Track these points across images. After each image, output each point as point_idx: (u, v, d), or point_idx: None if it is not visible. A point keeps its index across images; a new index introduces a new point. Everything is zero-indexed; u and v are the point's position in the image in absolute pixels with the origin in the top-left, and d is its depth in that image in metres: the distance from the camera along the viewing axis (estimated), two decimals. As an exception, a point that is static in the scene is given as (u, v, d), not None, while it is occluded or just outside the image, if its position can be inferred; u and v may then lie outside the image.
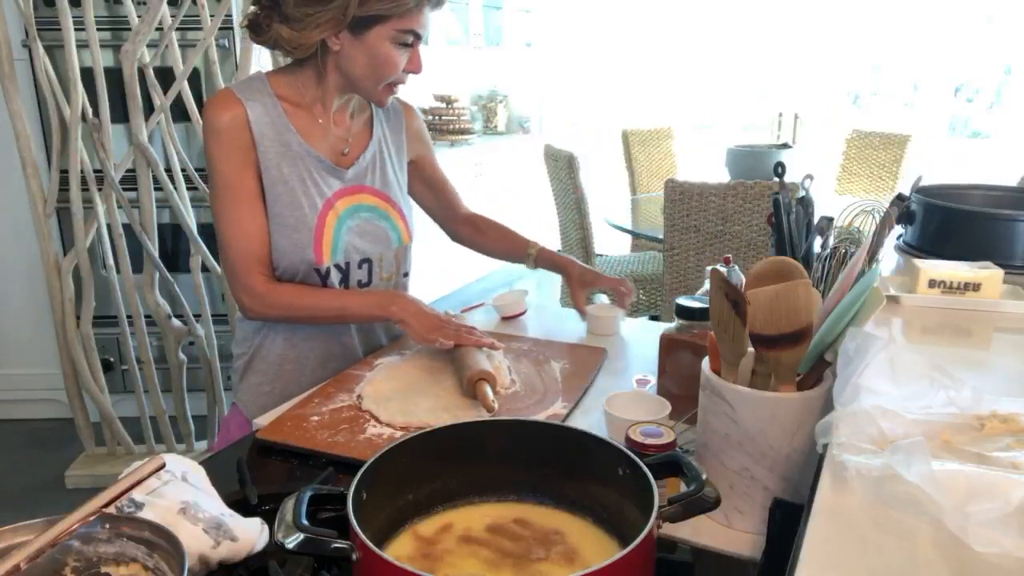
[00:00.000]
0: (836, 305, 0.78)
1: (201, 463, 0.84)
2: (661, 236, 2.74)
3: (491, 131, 5.19)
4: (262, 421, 1.10)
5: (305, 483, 0.70)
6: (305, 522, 0.61)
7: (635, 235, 3.36)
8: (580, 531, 0.73)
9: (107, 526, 0.63)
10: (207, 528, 0.70)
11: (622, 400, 0.98)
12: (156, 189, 2.37)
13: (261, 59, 2.30)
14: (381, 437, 1.01)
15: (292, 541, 0.59)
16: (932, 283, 1.14)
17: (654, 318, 3.03)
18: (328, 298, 1.25)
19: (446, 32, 4.57)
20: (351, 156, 1.30)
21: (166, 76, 2.32)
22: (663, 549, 0.76)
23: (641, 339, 1.40)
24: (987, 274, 1.12)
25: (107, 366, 2.64)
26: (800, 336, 0.74)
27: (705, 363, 0.82)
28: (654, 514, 0.61)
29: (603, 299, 1.46)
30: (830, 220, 1.21)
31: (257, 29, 1.18)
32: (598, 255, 3.28)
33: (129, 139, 2.30)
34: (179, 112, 2.39)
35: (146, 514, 0.67)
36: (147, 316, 2.46)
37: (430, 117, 4.43)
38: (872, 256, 0.94)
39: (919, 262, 1.18)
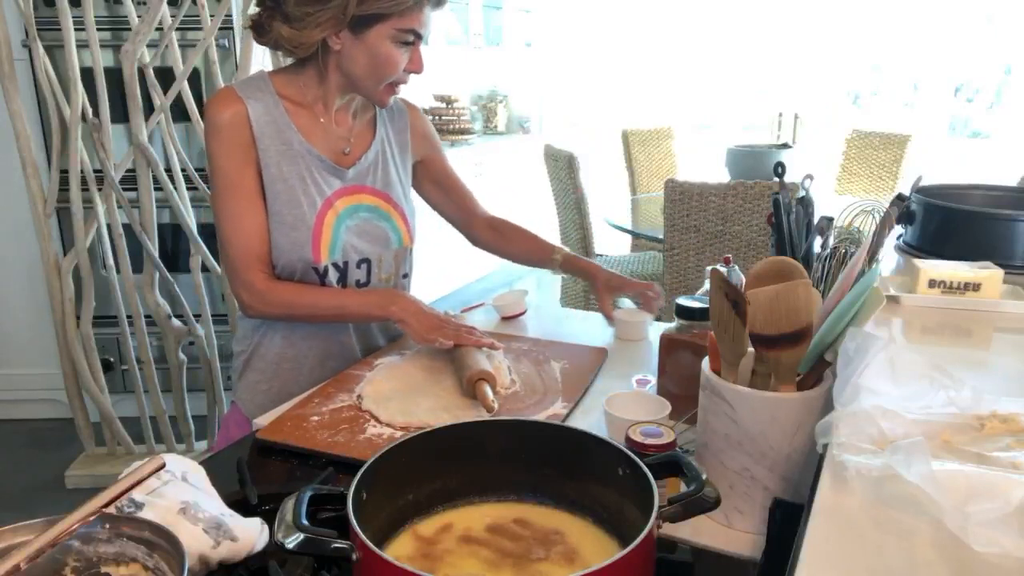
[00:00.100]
0: (836, 305, 0.78)
1: (201, 463, 0.84)
2: (661, 236, 2.74)
3: (491, 131, 5.19)
4: (262, 421, 1.10)
5: (305, 483, 0.70)
6: (305, 522, 0.61)
7: (635, 235, 3.36)
8: (580, 531, 0.73)
9: (107, 526, 0.63)
10: (207, 528, 0.70)
11: (622, 400, 0.98)
12: (156, 189, 2.37)
13: (262, 59, 2.30)
14: (381, 437, 1.01)
15: (292, 541, 0.59)
16: (932, 283, 1.14)
17: (655, 318, 3.02)
18: (328, 297, 1.25)
19: (446, 32, 4.57)
20: (353, 156, 1.30)
21: (166, 76, 2.32)
22: (663, 549, 0.76)
23: (641, 339, 1.40)
24: (987, 274, 1.12)
25: (107, 366, 2.64)
26: (800, 336, 0.74)
27: (705, 363, 0.82)
28: (654, 514, 0.61)
29: (628, 303, 1.46)
30: (830, 220, 1.21)
31: (260, 30, 1.18)
32: (598, 255, 3.28)
33: (129, 139, 2.30)
34: (179, 112, 2.39)
35: (146, 514, 0.67)
36: (147, 316, 2.46)
37: (430, 117, 4.42)
38: (872, 256, 0.94)
39: (919, 262, 1.18)
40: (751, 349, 0.78)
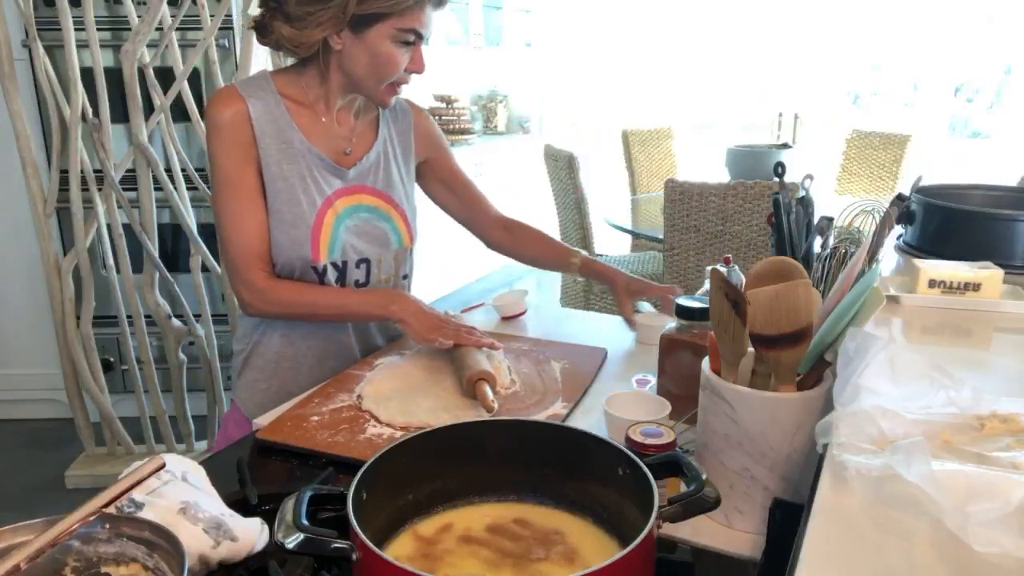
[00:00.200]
0: (836, 305, 0.78)
1: (201, 463, 0.84)
2: (661, 236, 2.74)
3: (491, 131, 5.19)
4: (262, 421, 1.10)
5: (305, 483, 0.70)
6: (305, 522, 0.61)
7: (635, 235, 3.36)
8: (580, 531, 0.73)
9: (107, 526, 0.63)
10: (207, 528, 0.70)
11: (622, 400, 0.98)
12: (156, 189, 2.37)
13: (262, 60, 2.30)
14: (381, 437, 1.01)
15: (292, 541, 0.59)
16: (932, 283, 1.14)
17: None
18: (328, 296, 1.25)
19: (446, 32, 4.57)
20: (354, 156, 1.30)
21: (166, 76, 2.32)
22: (663, 549, 0.76)
23: (641, 339, 1.40)
24: (987, 274, 1.12)
25: (107, 366, 2.64)
26: (800, 336, 0.74)
27: (705, 363, 0.82)
28: (654, 514, 0.61)
29: (647, 307, 1.45)
30: (830, 220, 1.21)
31: (263, 30, 1.18)
32: (598, 255, 3.28)
33: (129, 139, 2.30)
34: (179, 112, 2.39)
35: (146, 514, 0.67)
36: (147, 316, 2.46)
37: (431, 116, 4.43)
38: (872, 256, 0.94)
39: (919, 262, 1.18)
40: (751, 349, 0.78)
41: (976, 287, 1.12)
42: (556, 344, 1.34)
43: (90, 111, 2.29)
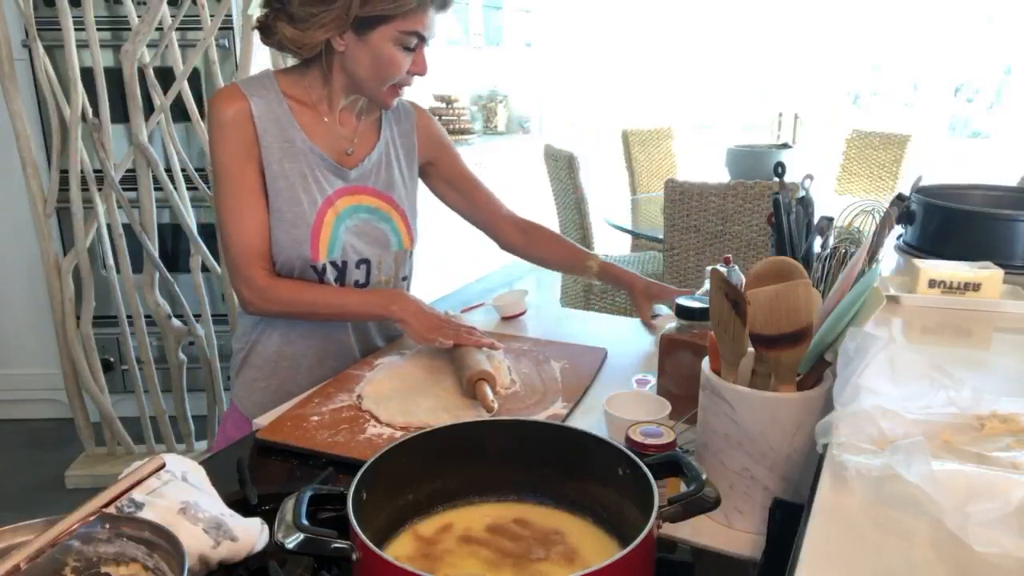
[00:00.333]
0: (836, 305, 0.78)
1: (201, 463, 0.84)
2: (661, 236, 2.74)
3: (491, 131, 5.19)
4: (262, 421, 1.10)
5: (305, 483, 0.70)
6: (305, 522, 0.61)
7: (635, 235, 3.36)
8: (580, 531, 0.73)
9: (107, 526, 0.63)
10: (207, 528, 0.70)
11: (622, 400, 0.98)
12: (156, 189, 2.37)
13: (265, 60, 2.30)
14: (381, 437, 1.01)
15: (292, 541, 0.59)
16: (932, 283, 1.14)
17: (654, 318, 3.03)
18: (328, 295, 1.25)
19: (446, 32, 4.57)
20: (356, 156, 1.30)
21: (166, 76, 2.32)
22: (663, 549, 0.76)
23: (641, 339, 1.40)
24: (987, 274, 1.12)
25: (107, 366, 2.64)
26: (800, 336, 0.74)
27: (705, 363, 0.82)
28: (654, 514, 0.61)
29: (665, 310, 1.45)
30: (830, 220, 1.21)
31: (266, 31, 1.18)
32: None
33: (129, 139, 2.31)
34: (179, 112, 2.39)
35: (146, 514, 0.67)
36: (147, 316, 2.46)
37: (434, 117, 4.43)
38: (872, 256, 0.94)
39: (919, 262, 1.18)
40: (751, 349, 0.78)
41: (976, 287, 1.12)
42: (556, 344, 1.34)
43: (90, 111, 2.29)
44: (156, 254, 2.38)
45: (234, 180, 1.20)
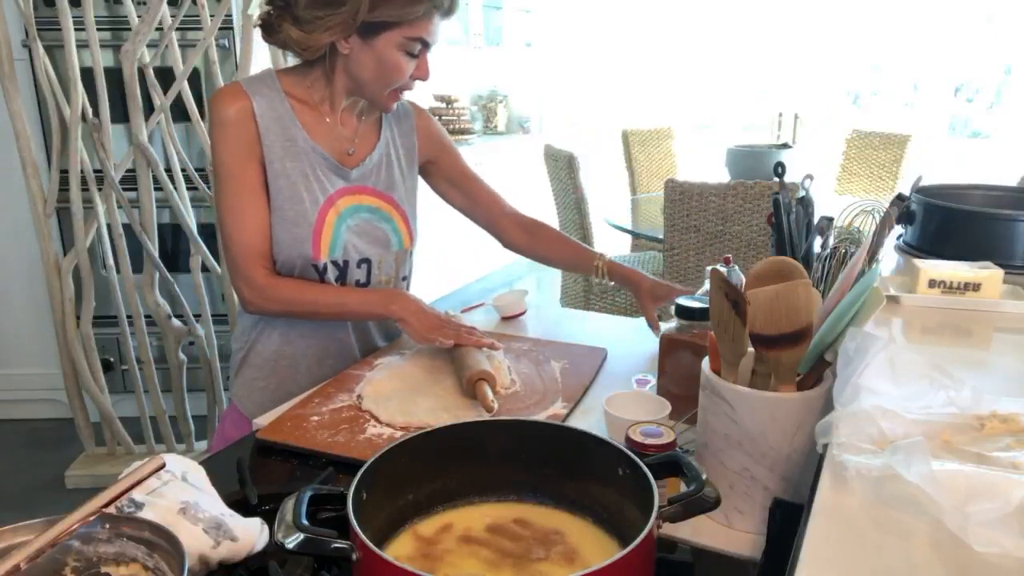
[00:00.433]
0: (836, 305, 0.78)
1: (201, 463, 0.84)
2: (661, 236, 2.74)
3: (491, 131, 5.19)
4: (262, 421, 1.10)
5: (305, 483, 0.70)
6: (305, 522, 0.61)
7: (635, 235, 3.36)
8: (580, 531, 0.73)
9: (107, 526, 0.63)
10: (207, 528, 0.70)
11: (622, 400, 0.98)
12: (156, 189, 2.37)
13: (265, 60, 2.30)
14: (381, 437, 1.01)
15: (292, 541, 0.59)
16: (932, 283, 1.14)
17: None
18: (329, 294, 1.25)
19: (446, 32, 4.56)
20: (357, 156, 1.30)
21: (166, 76, 2.32)
22: (663, 549, 0.76)
23: (641, 339, 1.40)
24: (987, 274, 1.12)
25: (107, 366, 2.64)
26: (800, 336, 0.74)
27: (705, 363, 0.82)
28: (654, 514, 0.61)
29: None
30: (830, 220, 1.21)
31: (269, 29, 1.18)
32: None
33: (129, 139, 2.30)
34: (179, 112, 2.39)
35: (146, 514, 0.67)
36: (147, 316, 2.46)
37: (434, 117, 4.43)
38: (872, 256, 0.94)
39: (919, 262, 1.18)
40: (751, 349, 0.78)
41: (976, 287, 1.12)
42: (556, 344, 1.34)
43: (90, 111, 2.29)
44: (156, 254, 2.38)
45: (235, 178, 1.20)
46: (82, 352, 2.43)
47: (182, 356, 2.54)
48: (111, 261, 2.42)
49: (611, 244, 3.62)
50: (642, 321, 1.40)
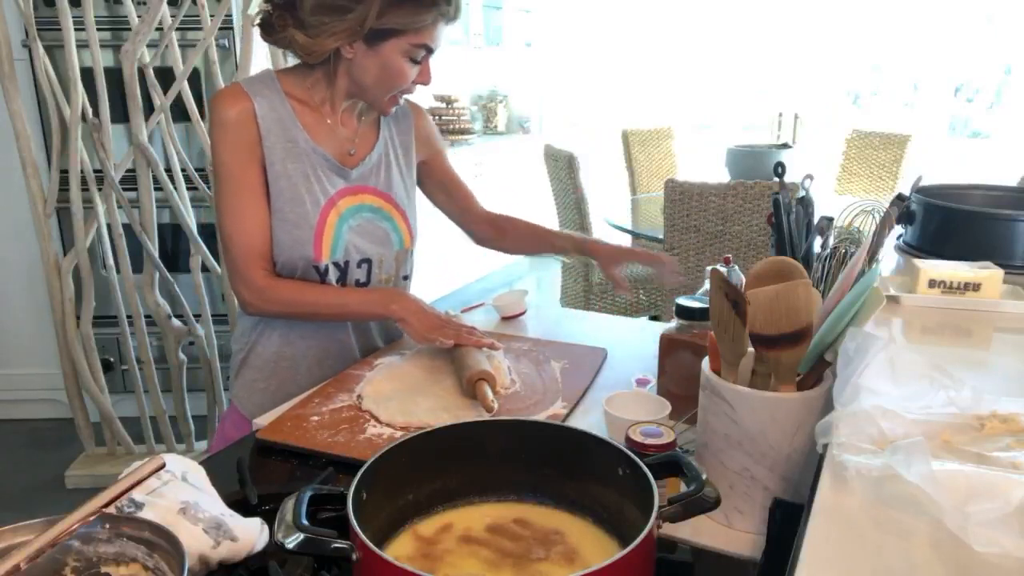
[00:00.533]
0: (836, 305, 0.78)
1: (201, 463, 0.84)
2: (661, 236, 2.74)
3: (491, 131, 5.19)
4: (262, 421, 1.10)
5: (305, 483, 0.70)
6: (305, 522, 0.61)
7: (635, 235, 3.35)
8: (580, 531, 0.73)
9: (107, 526, 0.63)
10: (207, 528, 0.70)
11: (622, 400, 0.98)
12: (156, 189, 2.37)
13: (265, 60, 2.30)
14: (381, 437, 1.01)
15: (292, 541, 0.59)
16: (932, 283, 1.14)
17: (654, 318, 3.03)
18: (329, 295, 1.25)
19: (446, 32, 4.56)
20: (357, 156, 1.30)
21: (166, 76, 2.32)
22: (663, 549, 0.76)
23: (641, 339, 1.40)
24: (987, 274, 1.12)
25: (107, 366, 2.64)
26: (800, 336, 0.74)
27: (705, 363, 0.82)
28: (654, 514, 0.61)
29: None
30: (830, 220, 1.21)
31: (269, 29, 1.18)
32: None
33: (129, 139, 2.30)
34: (179, 112, 2.39)
35: (146, 514, 0.67)
36: (147, 316, 2.46)
37: (430, 117, 4.43)
38: (872, 256, 0.94)
39: (919, 262, 1.18)
40: (751, 349, 0.78)
41: (976, 287, 1.12)
42: (556, 344, 1.34)
43: (90, 111, 2.29)
44: (156, 254, 2.38)
45: (236, 180, 1.19)
46: (82, 352, 2.43)
47: (182, 356, 2.54)
48: (111, 261, 2.42)
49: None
50: (642, 321, 1.40)
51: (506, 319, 1.52)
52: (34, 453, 2.79)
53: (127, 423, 2.57)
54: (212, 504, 0.74)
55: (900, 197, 1.15)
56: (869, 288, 0.75)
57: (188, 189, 2.46)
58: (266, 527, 0.74)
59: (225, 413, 1.38)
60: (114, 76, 2.27)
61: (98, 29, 2.24)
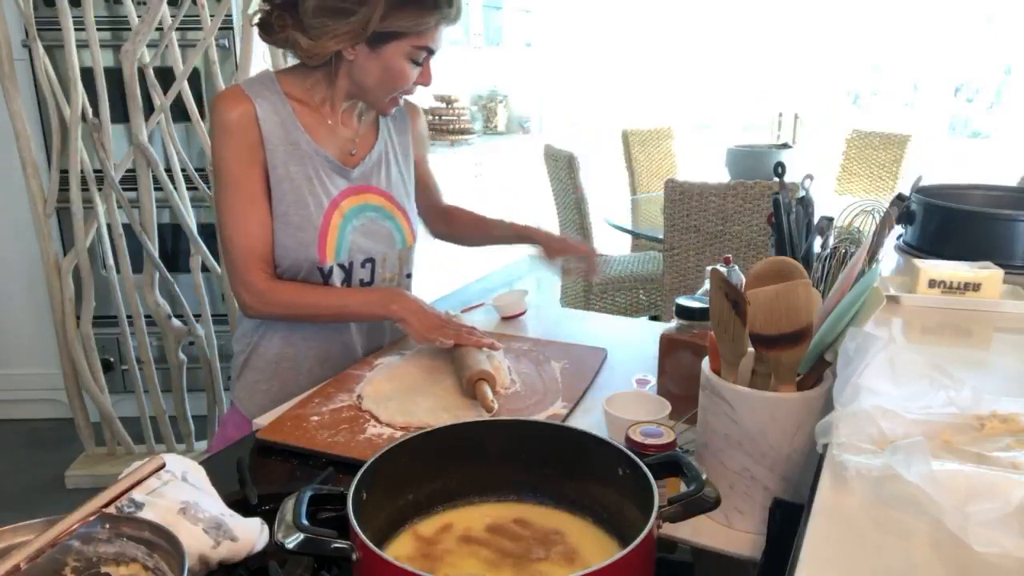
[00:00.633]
0: (836, 305, 0.78)
1: (201, 463, 0.84)
2: (661, 236, 2.74)
3: (491, 131, 5.19)
4: (262, 421, 1.10)
5: (305, 483, 0.70)
6: (305, 522, 0.61)
7: (635, 235, 3.36)
8: (580, 531, 0.73)
9: (107, 526, 0.63)
10: (207, 528, 0.70)
11: (622, 400, 0.98)
12: (156, 189, 2.37)
13: (264, 60, 2.30)
14: (381, 437, 1.01)
15: (292, 541, 0.59)
16: (932, 283, 1.14)
17: (654, 318, 3.03)
18: (329, 296, 1.25)
19: (446, 32, 4.56)
20: (358, 156, 1.30)
21: (166, 76, 2.32)
22: (663, 549, 0.76)
23: (641, 339, 1.40)
24: (987, 274, 1.12)
25: (107, 366, 2.64)
26: (800, 336, 0.74)
27: (705, 363, 0.82)
28: (654, 514, 0.61)
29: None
30: (830, 220, 1.21)
31: (268, 29, 1.18)
32: (599, 255, 3.27)
33: (129, 139, 2.30)
34: (179, 112, 2.39)
35: (146, 514, 0.67)
36: (147, 316, 2.46)
37: (430, 117, 4.43)
38: (872, 256, 0.94)
39: (919, 262, 1.18)
40: (751, 349, 0.78)
41: (976, 287, 1.12)
42: (556, 344, 1.34)
43: (90, 111, 2.29)
44: (156, 254, 2.38)
45: (236, 183, 1.19)
46: (82, 352, 2.43)
47: (182, 356, 2.54)
48: (111, 261, 2.42)
49: (611, 244, 3.62)
50: (642, 321, 1.40)
51: (506, 319, 1.52)
52: (34, 453, 2.79)
53: (127, 423, 2.57)
54: (212, 504, 0.74)
55: (900, 197, 1.15)
56: (869, 288, 0.75)
57: (188, 189, 2.46)
58: (266, 527, 0.74)
59: (226, 414, 1.38)
60: (114, 76, 2.27)
61: (98, 29, 2.24)
